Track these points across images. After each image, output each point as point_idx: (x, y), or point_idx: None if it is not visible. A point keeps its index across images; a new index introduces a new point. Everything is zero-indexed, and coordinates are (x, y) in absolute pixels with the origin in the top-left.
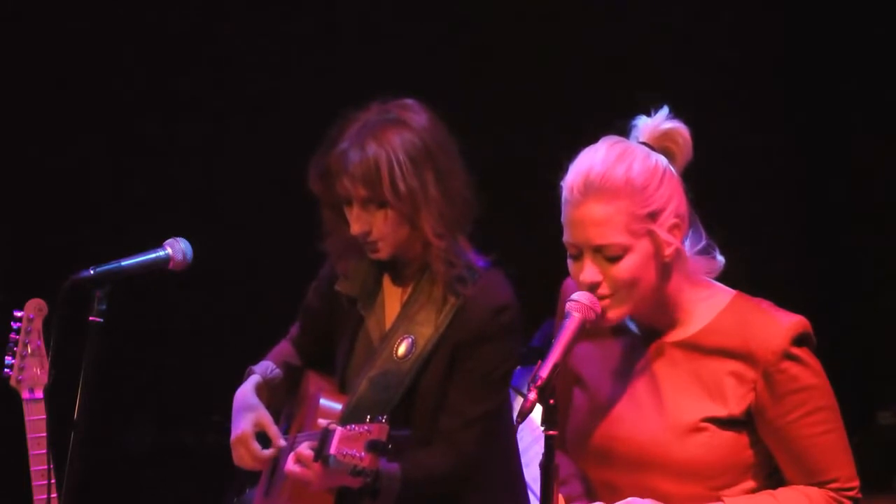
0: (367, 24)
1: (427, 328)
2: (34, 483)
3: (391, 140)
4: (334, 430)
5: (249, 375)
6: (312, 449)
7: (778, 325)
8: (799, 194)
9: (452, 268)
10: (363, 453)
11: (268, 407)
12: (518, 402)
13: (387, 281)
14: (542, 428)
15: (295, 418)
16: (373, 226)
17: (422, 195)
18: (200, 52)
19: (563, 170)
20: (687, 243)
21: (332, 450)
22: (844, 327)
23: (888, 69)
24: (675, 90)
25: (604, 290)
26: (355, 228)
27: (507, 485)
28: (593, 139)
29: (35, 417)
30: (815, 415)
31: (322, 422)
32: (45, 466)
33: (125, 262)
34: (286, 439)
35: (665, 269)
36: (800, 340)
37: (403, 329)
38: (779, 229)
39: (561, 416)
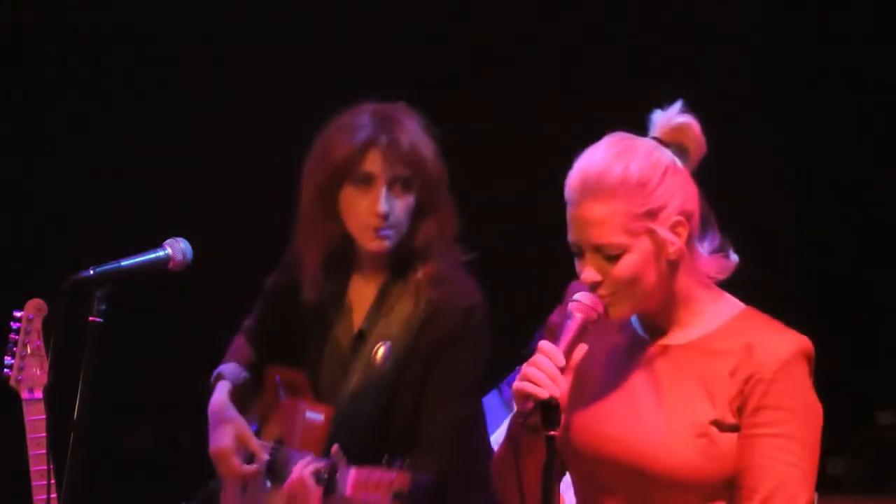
0: (367, 25)
1: (401, 331)
2: (34, 483)
3: (423, 131)
4: (348, 471)
5: (219, 380)
6: (317, 474)
7: (786, 340)
8: (799, 195)
9: (427, 270)
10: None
11: (241, 413)
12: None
13: (353, 285)
14: (544, 429)
15: (269, 420)
16: (392, 209)
17: (442, 189)
18: (200, 51)
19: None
20: (701, 242)
21: (349, 492)
22: (844, 327)
23: (890, 72)
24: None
25: (604, 289)
26: (381, 209)
27: (482, 486)
28: (587, 141)
29: (35, 417)
30: (780, 440)
31: (334, 447)
32: (45, 466)
33: (125, 262)
34: (267, 448)
35: (670, 267)
36: (803, 358)
37: (377, 334)
38: (778, 229)
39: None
